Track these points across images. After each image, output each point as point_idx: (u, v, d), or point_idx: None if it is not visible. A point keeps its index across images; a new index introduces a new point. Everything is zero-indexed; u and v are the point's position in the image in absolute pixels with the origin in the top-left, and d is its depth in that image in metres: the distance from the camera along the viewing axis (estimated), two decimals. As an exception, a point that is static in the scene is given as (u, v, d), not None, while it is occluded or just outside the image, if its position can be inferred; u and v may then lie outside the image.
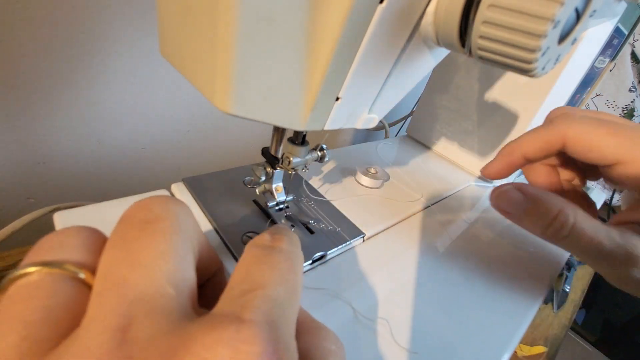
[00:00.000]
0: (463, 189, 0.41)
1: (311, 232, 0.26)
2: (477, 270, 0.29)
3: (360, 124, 0.21)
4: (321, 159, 0.26)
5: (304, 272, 0.24)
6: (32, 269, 0.10)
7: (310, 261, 0.24)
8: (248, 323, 0.09)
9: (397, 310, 0.23)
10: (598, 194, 0.53)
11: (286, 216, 0.27)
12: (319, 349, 0.13)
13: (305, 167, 0.25)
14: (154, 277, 0.10)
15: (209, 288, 0.15)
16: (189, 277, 0.11)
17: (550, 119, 0.23)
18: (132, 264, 0.10)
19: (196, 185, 0.27)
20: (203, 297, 0.14)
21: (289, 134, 0.24)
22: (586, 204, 0.25)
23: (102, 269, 0.10)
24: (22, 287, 0.10)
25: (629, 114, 0.67)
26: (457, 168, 0.46)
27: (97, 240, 0.12)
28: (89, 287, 0.11)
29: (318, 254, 0.24)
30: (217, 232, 0.24)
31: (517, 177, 0.45)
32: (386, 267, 0.26)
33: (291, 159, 0.24)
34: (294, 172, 0.25)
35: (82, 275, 0.10)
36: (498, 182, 0.44)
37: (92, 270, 0.11)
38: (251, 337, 0.09)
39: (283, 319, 0.10)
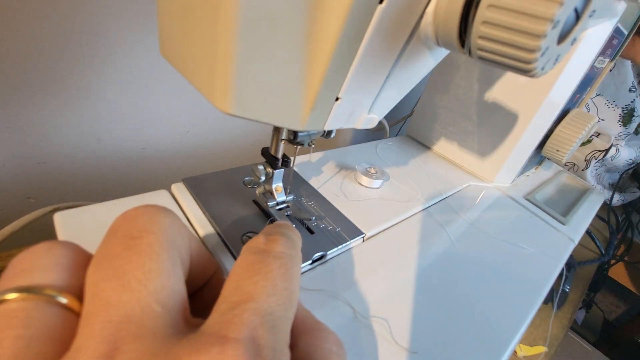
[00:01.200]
0: (463, 189, 0.41)
1: (311, 232, 0.26)
2: (477, 270, 0.29)
3: (360, 124, 0.21)
4: (327, 134, 0.25)
5: (304, 273, 0.24)
6: (9, 296, 0.10)
7: (310, 261, 0.24)
8: (232, 343, 0.09)
9: (397, 310, 0.23)
10: (598, 194, 0.53)
11: (286, 216, 0.27)
12: (320, 350, 0.12)
13: (311, 142, 0.25)
14: (140, 297, 0.10)
15: (206, 292, 0.15)
16: (178, 291, 0.11)
17: None
18: (117, 285, 0.10)
19: (196, 185, 0.27)
20: (201, 302, 0.14)
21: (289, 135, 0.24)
22: None
23: (89, 291, 0.10)
24: None
25: (629, 114, 0.67)
26: (457, 168, 0.46)
27: (74, 256, 0.11)
28: (72, 311, 0.10)
29: (318, 254, 0.24)
30: (217, 233, 0.24)
31: (525, 176, 0.45)
32: (386, 267, 0.26)
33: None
34: (298, 147, 0.24)
35: (63, 300, 0.10)
36: (498, 182, 0.44)
37: (74, 292, 0.10)
38: (234, 358, 0.09)
39: (274, 330, 0.10)
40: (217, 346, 0.09)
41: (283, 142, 0.24)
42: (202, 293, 0.15)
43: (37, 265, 0.10)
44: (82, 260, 0.11)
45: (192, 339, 0.09)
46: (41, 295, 0.10)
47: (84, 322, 0.09)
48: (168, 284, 0.10)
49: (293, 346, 0.13)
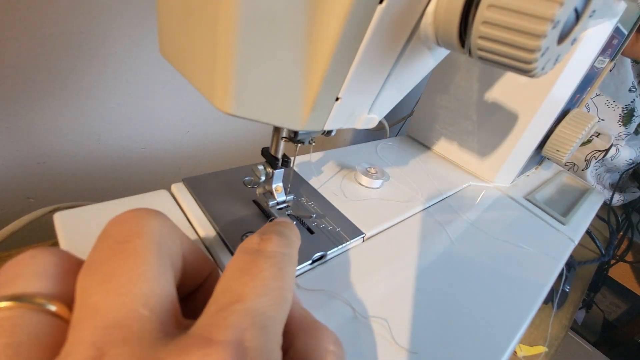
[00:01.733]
0: (463, 189, 0.41)
1: (311, 232, 0.26)
2: (477, 270, 0.29)
3: (360, 124, 0.21)
4: (328, 132, 0.24)
5: (304, 273, 0.24)
6: (0, 304, 0.10)
7: (310, 261, 0.24)
8: (217, 345, 0.09)
9: (397, 310, 0.23)
10: (598, 194, 0.53)
11: (286, 215, 0.27)
12: (318, 349, 0.12)
13: (311, 141, 0.25)
14: (127, 301, 0.10)
15: (201, 293, 0.15)
16: (167, 294, 0.11)
17: None
18: (105, 290, 0.10)
19: (196, 185, 0.27)
20: (196, 303, 0.14)
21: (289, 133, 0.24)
22: None
23: (78, 297, 0.10)
24: None
25: (629, 114, 0.67)
26: (457, 168, 0.46)
27: (60, 262, 0.11)
28: (61, 318, 0.10)
29: (318, 254, 0.24)
30: (217, 232, 0.24)
31: (525, 176, 0.45)
32: (386, 267, 0.26)
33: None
34: (299, 146, 0.24)
35: (52, 308, 0.10)
36: (498, 182, 0.44)
37: (63, 299, 0.11)
38: None
39: (264, 331, 0.10)
40: (202, 349, 0.09)
41: (283, 141, 0.23)
42: (197, 294, 0.15)
43: (22, 273, 0.10)
44: (70, 266, 0.11)
45: (178, 342, 0.09)
46: (26, 303, 0.10)
47: (73, 328, 0.10)
48: (156, 288, 0.10)
49: (290, 346, 0.13)
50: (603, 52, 0.39)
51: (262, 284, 0.11)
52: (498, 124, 0.42)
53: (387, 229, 0.30)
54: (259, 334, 0.10)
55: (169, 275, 0.11)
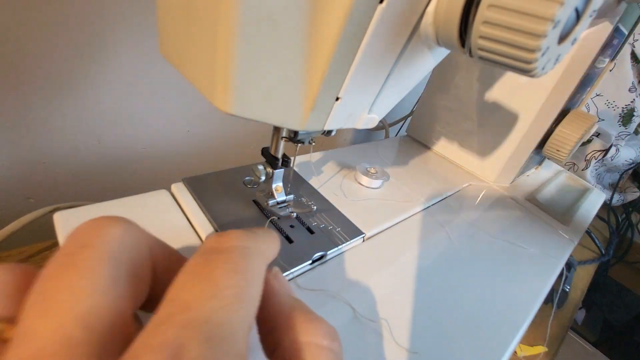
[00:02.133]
0: (463, 189, 0.41)
1: (311, 232, 0.26)
2: (477, 270, 0.29)
3: (360, 124, 0.21)
4: (328, 132, 0.24)
5: (304, 273, 0.24)
6: None
7: (310, 261, 0.24)
8: None
9: (397, 310, 0.23)
10: (598, 194, 0.53)
11: (286, 215, 0.27)
12: (309, 346, 0.12)
13: (312, 141, 0.25)
14: (62, 321, 0.09)
15: None
16: (115, 308, 0.10)
17: None
18: (40, 311, 0.09)
19: (196, 185, 0.27)
20: None
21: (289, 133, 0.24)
22: None
23: (19, 318, 0.09)
24: None
25: (629, 114, 0.67)
26: (457, 168, 0.46)
27: (16, 280, 0.11)
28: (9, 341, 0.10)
29: (318, 254, 0.24)
30: (217, 232, 0.24)
31: (526, 176, 0.45)
32: (386, 267, 0.26)
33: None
34: (299, 146, 0.24)
35: None
36: (498, 182, 0.44)
37: (16, 319, 0.10)
38: None
39: (211, 343, 0.09)
40: None
41: (283, 141, 0.24)
42: None
43: None
44: (28, 283, 0.10)
45: None
46: None
47: (5, 356, 0.09)
48: (99, 304, 0.09)
49: (277, 345, 0.12)
50: (603, 52, 0.39)
51: (211, 285, 0.10)
52: (498, 124, 0.42)
53: (387, 229, 0.30)
54: (203, 347, 0.09)
55: (120, 288, 0.10)
